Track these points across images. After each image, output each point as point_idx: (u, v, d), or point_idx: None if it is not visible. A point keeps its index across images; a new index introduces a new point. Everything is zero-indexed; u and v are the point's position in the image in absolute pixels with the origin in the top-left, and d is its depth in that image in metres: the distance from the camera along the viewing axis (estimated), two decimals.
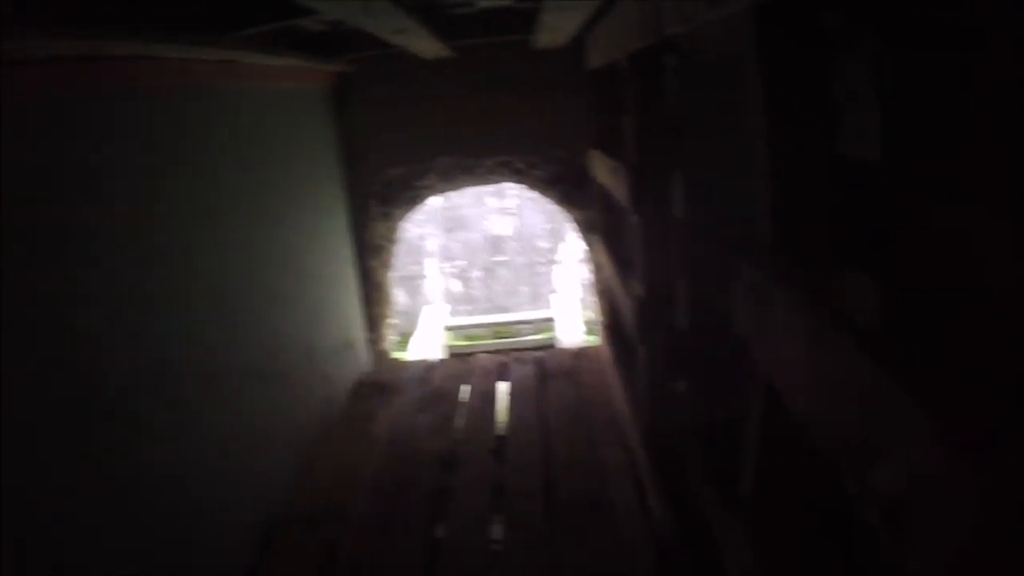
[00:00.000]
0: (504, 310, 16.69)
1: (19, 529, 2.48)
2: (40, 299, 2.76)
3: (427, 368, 7.54)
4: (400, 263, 14.84)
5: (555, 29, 5.12)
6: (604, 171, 5.43)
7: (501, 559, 4.41)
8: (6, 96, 2.52)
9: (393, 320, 8.57)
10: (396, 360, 8.33)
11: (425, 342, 11.50)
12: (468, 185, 7.89)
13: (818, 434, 1.86)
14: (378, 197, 7.52)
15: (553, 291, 16.64)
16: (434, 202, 15.12)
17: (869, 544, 2.02)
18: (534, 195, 9.16)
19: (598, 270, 7.45)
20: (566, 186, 7.44)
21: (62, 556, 2.76)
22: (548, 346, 9.79)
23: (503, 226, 17.11)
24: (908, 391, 1.34)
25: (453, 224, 17.06)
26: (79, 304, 3.00)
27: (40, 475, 2.66)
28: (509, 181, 7.80)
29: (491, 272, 17.35)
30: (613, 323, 6.54)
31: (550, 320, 13.81)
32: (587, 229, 7.64)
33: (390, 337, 8.44)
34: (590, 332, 12.76)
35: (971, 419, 1.24)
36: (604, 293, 6.91)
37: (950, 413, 1.25)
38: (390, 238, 8.04)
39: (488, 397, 6.69)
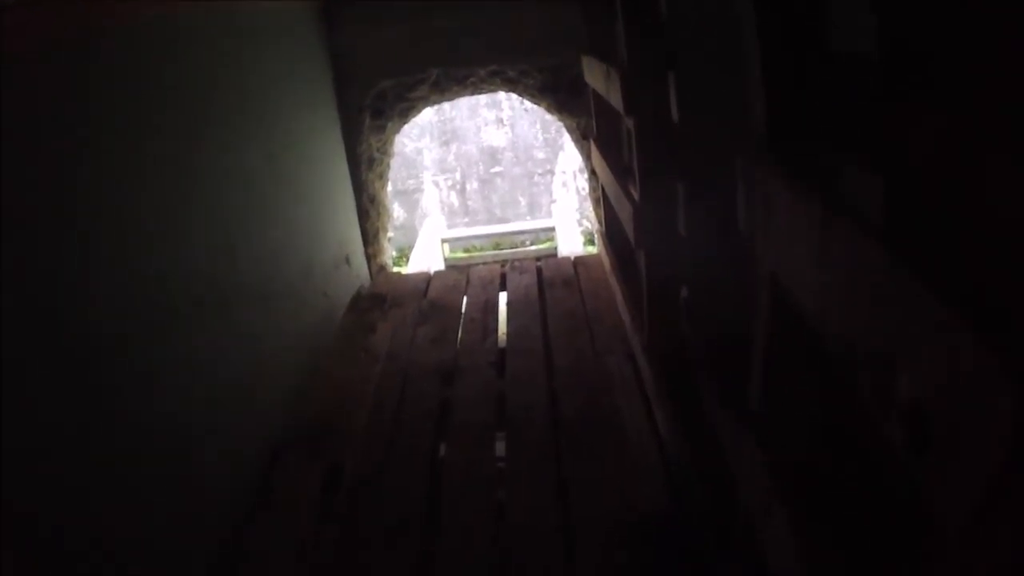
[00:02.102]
0: (502, 221, 16.66)
1: (9, 467, 2.45)
2: (29, 227, 2.72)
3: (426, 280, 7.50)
4: (396, 177, 14.82)
5: None
6: (597, 76, 5.34)
7: (506, 477, 4.36)
8: None
9: (391, 234, 8.53)
10: (395, 273, 8.30)
11: (424, 255, 11.46)
12: (461, 95, 7.80)
13: (831, 336, 1.80)
14: (371, 110, 7.44)
15: (552, 201, 16.61)
16: (428, 115, 15.03)
17: (892, 462, 1.97)
18: (529, 105, 9.09)
19: (595, 178, 7.39)
20: (560, 93, 7.37)
21: (59, 490, 2.75)
22: (548, 256, 9.74)
23: (499, 137, 17.02)
24: (927, 282, 1.28)
25: (448, 136, 16.98)
26: (69, 229, 2.97)
27: (30, 407, 2.64)
28: (502, 90, 7.73)
29: (488, 184, 17.31)
30: (611, 231, 6.49)
31: (549, 230, 13.78)
32: (582, 136, 7.58)
33: (388, 251, 8.41)
34: (589, 242, 12.75)
35: (1005, 315, 1.17)
36: (602, 200, 6.85)
37: (979, 309, 1.18)
38: (385, 151, 7.96)
39: (488, 307, 6.66)
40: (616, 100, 4.51)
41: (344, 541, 3.95)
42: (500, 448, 4.63)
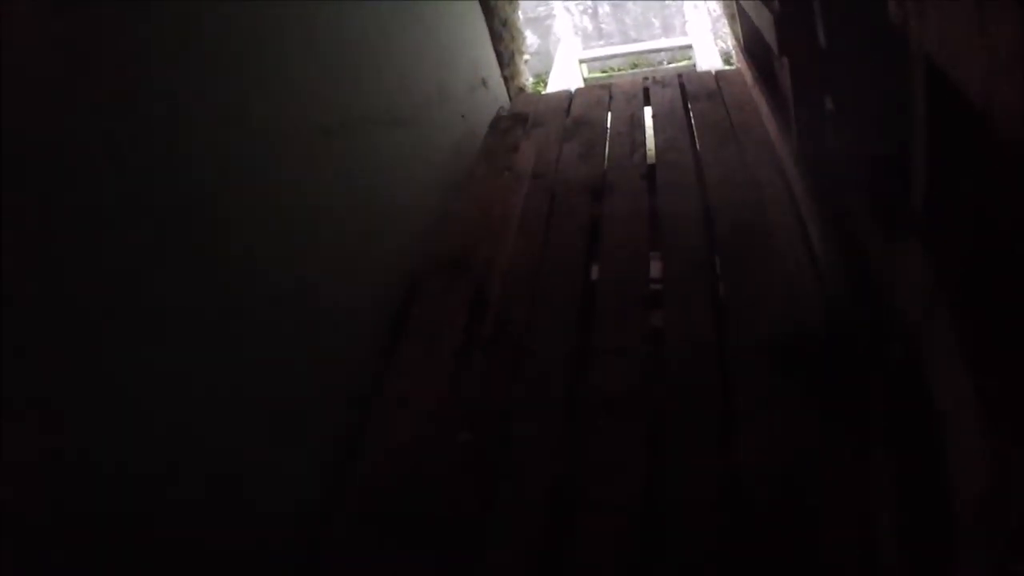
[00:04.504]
0: (637, 42, 16.43)
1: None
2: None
3: (567, 98, 7.28)
4: (526, 5, 14.61)
5: None
6: None
7: (662, 300, 4.17)
8: None
9: (527, 56, 8.38)
10: (535, 93, 8.18)
11: (562, 77, 11.29)
12: None
13: (1003, 123, 1.65)
14: None
15: (685, 22, 16.30)
16: None
17: None
18: None
19: None
20: None
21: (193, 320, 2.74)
22: (688, 72, 9.51)
23: None
24: None
25: None
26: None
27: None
28: None
29: (620, 7, 16.99)
30: (750, 44, 6.27)
31: (686, 48, 13.53)
32: None
33: (525, 73, 8.27)
34: (726, 61, 12.48)
35: None
36: (737, 15, 6.62)
37: None
38: None
39: (634, 121, 6.44)
40: None
41: (491, 368, 3.89)
42: (655, 270, 4.50)
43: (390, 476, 3.34)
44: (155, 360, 2.46)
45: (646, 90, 7.13)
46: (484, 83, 6.88)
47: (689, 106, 6.62)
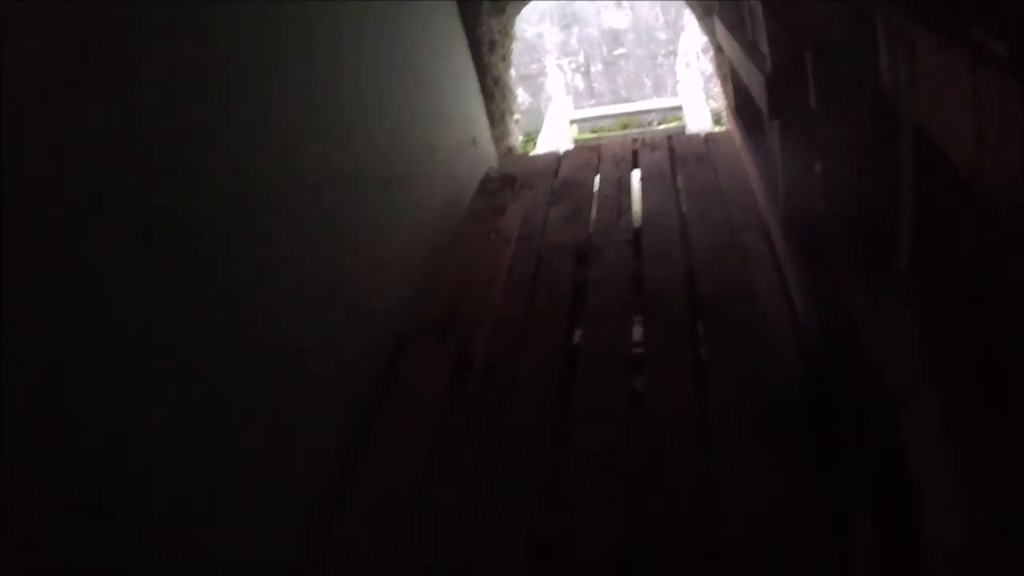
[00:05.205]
0: (629, 102, 16.52)
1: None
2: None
3: (556, 159, 7.34)
4: (519, 62, 14.71)
5: None
6: None
7: (643, 364, 4.18)
8: None
9: (517, 115, 8.40)
10: (524, 154, 8.19)
11: (552, 136, 11.32)
12: None
13: (993, 190, 1.65)
14: None
15: (677, 81, 16.41)
16: None
17: None
18: None
19: (721, 54, 7.17)
20: None
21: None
22: (677, 134, 9.54)
23: (619, 19, 16.80)
24: None
25: (569, 20, 16.79)
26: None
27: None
28: None
29: (612, 66, 17.10)
30: (741, 106, 6.29)
31: (677, 109, 13.59)
32: (705, 13, 7.35)
33: (516, 133, 8.30)
34: (717, 121, 12.55)
35: None
36: (730, 76, 6.64)
37: None
38: (505, 33, 7.82)
39: (622, 185, 6.49)
40: None
41: (473, 429, 3.88)
42: (638, 334, 4.48)
43: (372, 538, 3.31)
44: (147, 418, 2.45)
45: (635, 152, 7.18)
46: (474, 142, 6.91)
47: (677, 169, 6.66)
